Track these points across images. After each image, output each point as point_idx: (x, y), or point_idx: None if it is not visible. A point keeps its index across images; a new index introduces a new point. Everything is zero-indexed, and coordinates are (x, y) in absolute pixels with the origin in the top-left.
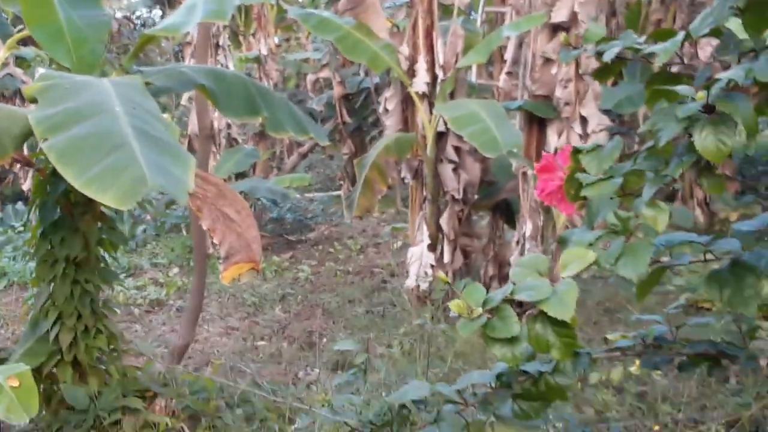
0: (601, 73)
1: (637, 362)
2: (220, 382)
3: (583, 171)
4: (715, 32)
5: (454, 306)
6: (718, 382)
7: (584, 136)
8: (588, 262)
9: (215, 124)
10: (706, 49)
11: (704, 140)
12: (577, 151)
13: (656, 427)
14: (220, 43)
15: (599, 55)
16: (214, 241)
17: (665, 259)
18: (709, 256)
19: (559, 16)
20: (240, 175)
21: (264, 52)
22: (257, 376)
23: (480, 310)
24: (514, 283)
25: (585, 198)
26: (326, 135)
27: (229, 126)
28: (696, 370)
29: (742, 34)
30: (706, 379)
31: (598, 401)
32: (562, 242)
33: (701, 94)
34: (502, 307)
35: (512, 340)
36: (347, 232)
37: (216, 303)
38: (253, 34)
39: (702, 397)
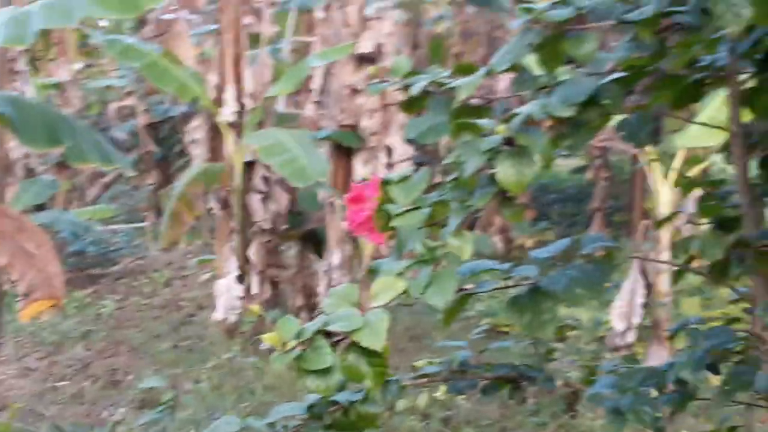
0: (408, 106)
1: (443, 387)
2: (18, 427)
3: (392, 201)
4: (514, 68)
5: (268, 339)
6: (518, 404)
7: (390, 165)
8: (398, 292)
9: (12, 154)
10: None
11: (506, 172)
12: (385, 182)
13: None
14: (18, 69)
15: (406, 88)
16: (13, 277)
17: (469, 286)
18: (509, 281)
19: (365, 47)
20: (39, 207)
21: (65, 78)
22: (58, 418)
23: (293, 342)
24: (326, 314)
25: (394, 228)
26: (131, 164)
27: (27, 155)
28: (498, 393)
29: (537, 70)
30: (506, 401)
31: (406, 427)
32: (372, 272)
33: (502, 128)
34: (315, 338)
35: (326, 371)
36: (153, 264)
37: (12, 343)
38: (53, 60)
39: (503, 418)
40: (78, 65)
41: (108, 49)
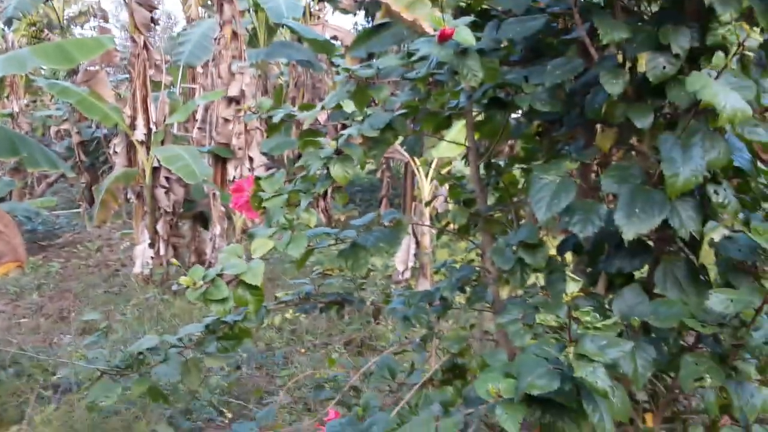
0: (271, 129)
1: (291, 310)
2: None
3: (263, 191)
4: (337, 106)
5: (184, 281)
6: (339, 319)
7: (251, 169)
8: (269, 248)
9: None
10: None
11: (336, 171)
12: (257, 179)
13: (303, 350)
14: None
15: (270, 118)
16: None
17: (312, 244)
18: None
19: (233, 91)
20: (1, 200)
21: (16, 109)
22: (22, 344)
23: (201, 282)
24: (222, 263)
25: (264, 208)
26: (70, 169)
27: None
28: (329, 313)
29: (351, 107)
30: (332, 317)
31: (267, 337)
32: (251, 236)
33: (333, 143)
34: (216, 279)
35: (223, 300)
36: (87, 237)
37: None
38: (7, 96)
39: (330, 328)
40: (26, 101)
41: (49, 90)
